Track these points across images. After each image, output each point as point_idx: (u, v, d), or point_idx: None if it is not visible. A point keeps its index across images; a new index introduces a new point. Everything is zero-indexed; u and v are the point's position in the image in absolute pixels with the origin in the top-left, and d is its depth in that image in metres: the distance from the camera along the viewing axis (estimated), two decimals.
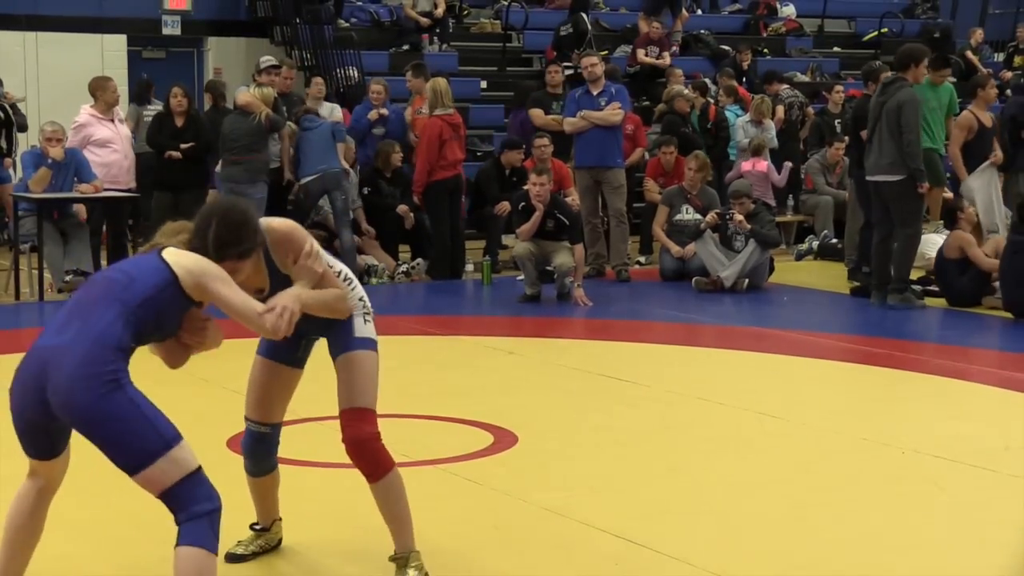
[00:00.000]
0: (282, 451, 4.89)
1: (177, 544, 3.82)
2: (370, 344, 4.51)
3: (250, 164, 11.92)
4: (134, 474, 3.82)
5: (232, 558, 4.80)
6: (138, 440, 3.78)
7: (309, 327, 4.47)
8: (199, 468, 3.87)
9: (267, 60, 13.44)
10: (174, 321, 4.07)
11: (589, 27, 17.43)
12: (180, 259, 3.99)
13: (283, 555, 4.96)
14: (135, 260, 4.17)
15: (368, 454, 4.47)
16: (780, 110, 15.58)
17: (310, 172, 12.22)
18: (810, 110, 16.14)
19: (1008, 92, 16.42)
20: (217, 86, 13.53)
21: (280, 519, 4.97)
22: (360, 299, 4.55)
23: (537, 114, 13.96)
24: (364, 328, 4.52)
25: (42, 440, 4.05)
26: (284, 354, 4.66)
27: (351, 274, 4.60)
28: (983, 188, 12.02)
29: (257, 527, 4.94)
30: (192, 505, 3.82)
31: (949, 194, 12.52)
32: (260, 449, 4.77)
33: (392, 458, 4.53)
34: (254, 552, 4.89)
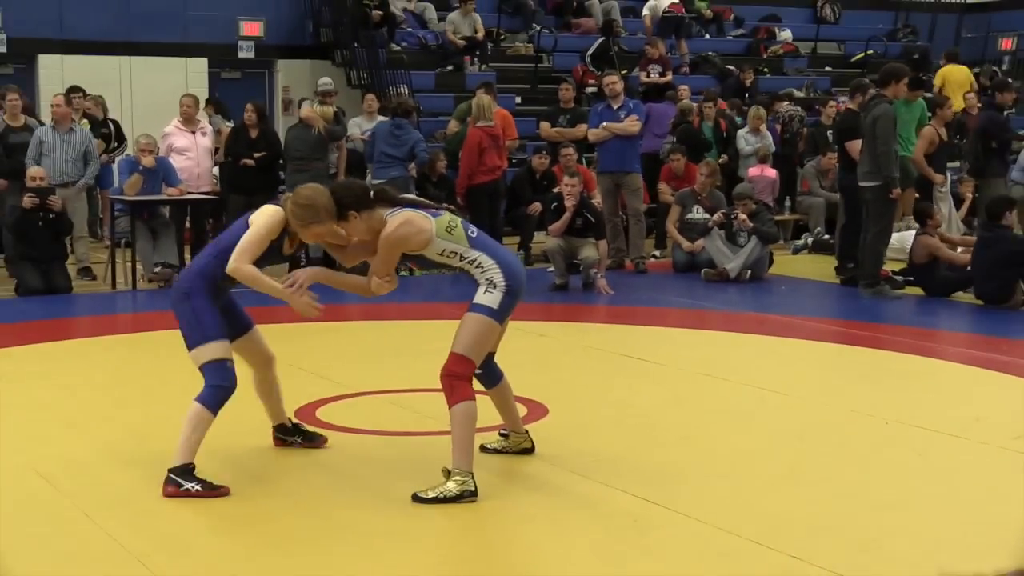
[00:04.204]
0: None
1: (195, 398, 5.10)
2: (480, 309, 5.03)
3: (313, 172, 11.94)
4: (189, 352, 5.11)
5: (482, 448, 5.58)
6: (188, 331, 5.11)
7: None
8: (223, 359, 5.08)
9: (324, 84, 13.61)
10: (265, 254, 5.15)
11: (614, 49, 17.40)
12: (257, 214, 5.13)
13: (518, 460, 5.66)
14: (240, 219, 5.27)
15: (444, 386, 5.00)
16: (778, 129, 15.50)
17: (382, 176, 12.12)
18: (804, 129, 15.99)
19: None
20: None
21: (523, 432, 5.66)
22: (488, 279, 5.05)
23: (545, 126, 13.95)
24: (482, 296, 5.05)
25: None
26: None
27: (483, 259, 5.08)
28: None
29: (503, 433, 5.71)
30: (209, 380, 5.09)
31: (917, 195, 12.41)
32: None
33: (464, 394, 4.95)
34: (495, 450, 5.68)
